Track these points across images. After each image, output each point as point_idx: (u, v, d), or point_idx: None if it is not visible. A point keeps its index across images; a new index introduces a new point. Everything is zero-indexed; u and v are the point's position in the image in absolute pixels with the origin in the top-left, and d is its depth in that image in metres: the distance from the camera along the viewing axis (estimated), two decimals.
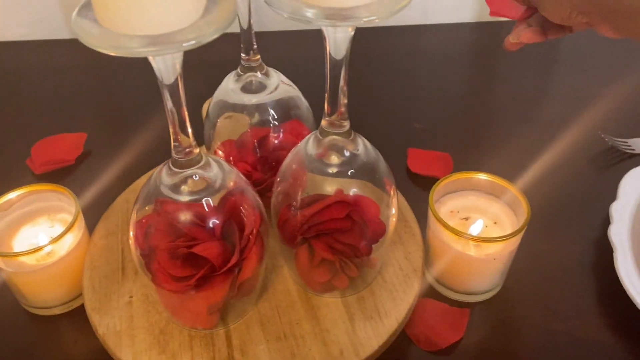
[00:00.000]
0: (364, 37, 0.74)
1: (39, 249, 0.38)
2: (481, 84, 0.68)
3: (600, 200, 0.48)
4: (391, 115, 0.61)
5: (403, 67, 0.69)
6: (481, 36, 0.77)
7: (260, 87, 0.38)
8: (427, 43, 0.74)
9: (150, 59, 0.26)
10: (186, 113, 0.29)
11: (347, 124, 0.33)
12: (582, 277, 0.44)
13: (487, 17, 0.79)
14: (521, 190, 0.41)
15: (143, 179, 0.47)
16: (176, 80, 0.28)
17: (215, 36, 0.23)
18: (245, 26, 0.36)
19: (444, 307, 0.42)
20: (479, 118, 0.61)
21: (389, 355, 0.38)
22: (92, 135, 0.57)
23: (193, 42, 0.22)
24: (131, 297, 0.38)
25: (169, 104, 0.29)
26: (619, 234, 0.44)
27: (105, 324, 0.36)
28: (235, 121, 0.41)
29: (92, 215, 0.44)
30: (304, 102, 0.40)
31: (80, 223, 0.41)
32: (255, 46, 0.37)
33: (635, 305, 0.39)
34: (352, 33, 0.29)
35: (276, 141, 0.40)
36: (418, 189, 0.51)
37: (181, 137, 0.30)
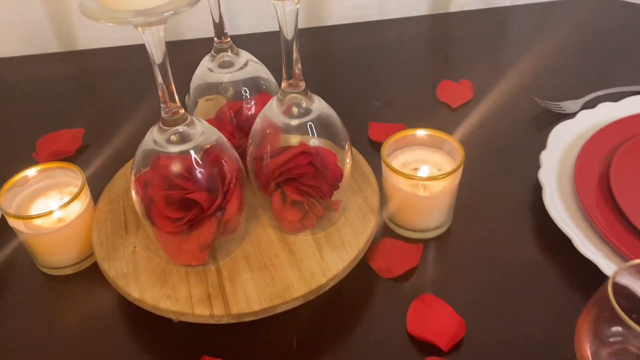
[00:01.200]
0: (330, 35, 0.83)
1: (50, 212, 0.45)
2: (430, 66, 0.76)
3: (533, 150, 0.56)
4: (355, 97, 0.69)
5: (365, 58, 0.77)
6: (431, 26, 0.85)
7: (232, 64, 0.45)
8: (384, 36, 0.83)
9: (141, 33, 0.33)
10: (173, 85, 0.37)
11: (303, 84, 0.40)
12: (517, 211, 0.52)
13: (434, 11, 0.88)
14: (462, 143, 0.48)
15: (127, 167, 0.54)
16: (164, 58, 0.35)
17: (187, 8, 0.30)
18: (216, 16, 0.44)
19: (401, 244, 0.49)
20: (428, 93, 0.69)
21: (356, 282, 0.46)
22: (88, 131, 0.64)
23: (171, 12, 0.30)
24: (134, 247, 0.45)
25: (159, 78, 0.37)
26: (546, 176, 0.52)
27: (114, 269, 0.43)
28: (215, 103, 0.48)
29: (95, 192, 0.51)
30: (270, 77, 0.48)
31: (86, 192, 0.48)
32: (225, 30, 0.44)
33: (560, 229, 0.47)
34: (297, 7, 0.36)
35: (249, 112, 0.48)
36: (378, 154, 0.59)
37: (169, 103, 0.38)
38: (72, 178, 0.49)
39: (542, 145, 0.56)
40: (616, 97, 0.62)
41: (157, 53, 0.35)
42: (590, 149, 0.54)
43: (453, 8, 0.87)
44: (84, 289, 0.48)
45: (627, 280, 0.38)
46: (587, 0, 0.87)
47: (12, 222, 0.46)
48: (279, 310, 0.40)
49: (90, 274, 0.49)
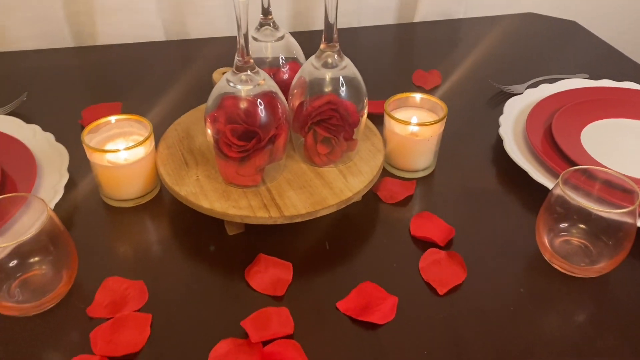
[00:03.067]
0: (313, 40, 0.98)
1: (117, 150, 0.57)
2: (405, 61, 0.92)
3: (493, 117, 0.72)
4: None
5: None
6: (400, 33, 1.02)
7: (273, 36, 0.59)
8: (362, 40, 0.99)
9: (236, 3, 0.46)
10: (249, 43, 0.50)
11: (338, 46, 0.54)
12: (485, 155, 0.68)
13: (403, 20, 1.06)
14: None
15: (178, 122, 0.65)
16: (246, 20, 0.48)
17: None
18: (265, 2, 0.58)
19: (399, 181, 0.63)
20: (406, 80, 0.84)
21: (369, 206, 0.60)
22: (125, 104, 0.76)
23: None
24: (197, 176, 0.57)
25: (241, 40, 0.49)
26: (504, 131, 0.68)
27: (185, 190, 0.55)
28: None
29: None
30: (300, 50, 0.62)
31: (151, 140, 0.59)
32: (270, 9, 0.58)
33: (516, 164, 0.63)
34: None
35: (284, 76, 0.61)
36: (376, 122, 0.73)
37: (244, 55, 0.50)
38: (137, 128, 0.61)
39: (500, 113, 0.72)
40: (551, 81, 0.80)
41: (243, 16, 0.48)
42: (537, 111, 0.71)
43: (417, 19, 1.04)
44: (141, 221, 0.59)
45: (560, 191, 0.54)
46: (525, 15, 1.07)
47: (92, 156, 0.57)
48: (319, 214, 0.53)
49: (146, 209, 0.60)
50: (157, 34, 0.95)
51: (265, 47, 0.60)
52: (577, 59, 0.91)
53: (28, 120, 0.69)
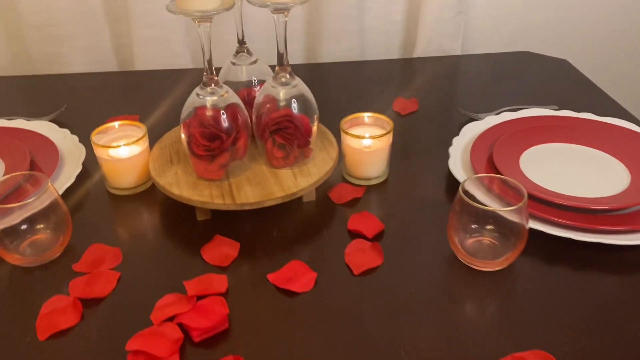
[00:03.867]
0: (324, 68, 1.10)
1: (120, 145, 0.71)
2: (392, 89, 1.03)
3: (449, 138, 0.81)
4: (338, 105, 0.95)
5: (347, 84, 1.04)
6: (403, 68, 1.13)
7: (247, 60, 0.72)
8: (365, 70, 1.10)
9: (197, 26, 0.60)
10: (211, 61, 0.63)
11: (289, 68, 0.66)
12: (436, 171, 0.77)
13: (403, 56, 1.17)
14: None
15: (174, 130, 0.79)
16: (209, 49, 0.62)
17: (224, 11, 0.57)
18: (240, 33, 0.71)
19: (351, 186, 0.74)
20: (387, 105, 0.95)
21: (320, 205, 0.70)
22: (142, 116, 0.91)
23: (215, 12, 0.56)
24: (176, 172, 0.70)
25: (205, 57, 0.63)
26: (453, 149, 0.78)
27: (163, 181, 0.68)
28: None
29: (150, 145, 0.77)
30: (270, 71, 0.74)
31: (145, 140, 0.73)
32: (245, 39, 0.71)
33: (454, 177, 0.72)
34: (286, 20, 0.63)
35: (255, 94, 0.74)
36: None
37: (209, 73, 0.64)
38: (136, 132, 0.75)
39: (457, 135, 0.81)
40: (514, 110, 0.88)
41: (205, 41, 0.62)
42: (486, 135, 0.79)
43: (416, 54, 1.15)
44: (138, 206, 0.72)
45: (474, 191, 0.62)
46: (519, 53, 1.15)
47: (97, 151, 0.71)
48: (265, 205, 0.65)
49: (142, 198, 0.73)
50: (184, 62, 1.11)
51: (241, 70, 0.73)
52: (560, 93, 0.98)
53: (62, 125, 0.86)
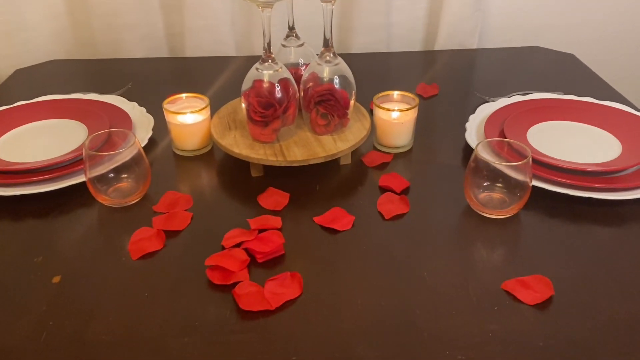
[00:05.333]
0: (352, 58, 1.23)
1: (185, 112, 0.84)
2: (415, 77, 1.15)
3: (466, 116, 0.93)
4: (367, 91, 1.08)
5: (375, 72, 1.17)
6: (425, 59, 1.26)
7: (296, 42, 0.85)
8: (389, 61, 1.23)
9: (260, 12, 0.73)
10: (270, 41, 0.76)
11: (333, 49, 0.79)
12: (453, 142, 0.89)
13: (429, 47, 1.29)
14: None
15: (229, 103, 0.92)
16: (269, 32, 0.75)
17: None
18: (290, 20, 0.84)
19: (381, 153, 0.86)
20: (411, 90, 1.07)
21: (354, 168, 0.83)
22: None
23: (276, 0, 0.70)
24: (234, 135, 0.83)
25: (265, 43, 0.76)
26: (469, 125, 0.90)
27: (225, 142, 0.81)
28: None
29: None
30: (315, 55, 0.87)
31: (207, 110, 0.86)
32: (293, 25, 0.84)
33: (470, 146, 0.84)
34: (333, 7, 0.76)
35: (302, 72, 0.87)
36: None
37: (267, 52, 0.77)
38: (200, 103, 0.88)
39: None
40: (524, 95, 1.00)
41: (266, 25, 0.75)
42: (499, 113, 0.91)
43: (437, 47, 1.27)
44: (199, 166, 0.86)
45: (486, 155, 0.74)
46: (531, 48, 1.27)
47: (168, 117, 0.85)
48: (311, 162, 0.78)
49: (204, 159, 0.86)
50: (229, 50, 1.25)
51: (290, 51, 0.86)
52: (566, 83, 1.10)
53: (130, 99, 0.99)
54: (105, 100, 0.97)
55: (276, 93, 0.78)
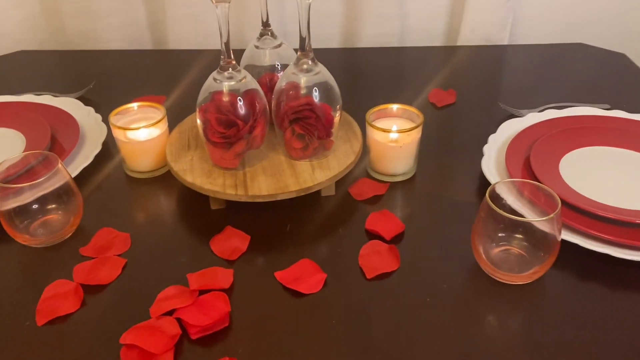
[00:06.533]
0: (359, 53, 1.06)
1: (138, 127, 0.69)
2: (429, 79, 0.97)
3: (486, 135, 0.76)
4: (373, 95, 0.91)
5: (382, 71, 0.99)
6: (444, 57, 1.07)
7: (271, 44, 0.69)
8: (401, 58, 1.05)
9: (215, 8, 0.57)
10: (229, 45, 0.60)
11: (312, 54, 0.62)
12: (467, 169, 0.72)
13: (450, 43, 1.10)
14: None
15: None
16: (227, 31, 0.59)
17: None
18: (264, 15, 0.68)
19: (374, 182, 0.70)
20: (422, 96, 0.90)
21: (339, 200, 0.67)
22: (170, 98, 0.89)
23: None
24: (192, 157, 0.67)
25: (222, 39, 0.60)
26: (488, 148, 0.72)
27: (178, 167, 0.66)
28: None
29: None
30: (293, 54, 0.70)
31: (164, 122, 0.71)
32: (269, 22, 0.68)
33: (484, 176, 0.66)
34: (310, 3, 0.59)
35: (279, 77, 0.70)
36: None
37: (226, 57, 0.61)
38: (156, 114, 0.73)
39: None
40: (560, 108, 0.81)
41: (223, 22, 0.59)
42: (524, 134, 0.73)
43: (460, 42, 1.08)
44: (156, 190, 0.71)
45: (503, 195, 0.57)
46: (574, 45, 1.07)
47: (115, 132, 0.70)
48: (278, 198, 0.62)
49: (160, 181, 0.71)
50: (218, 43, 1.09)
51: (264, 53, 0.70)
52: (614, 91, 0.90)
53: (89, 103, 0.85)
54: (56, 105, 0.83)
55: (239, 108, 0.62)
